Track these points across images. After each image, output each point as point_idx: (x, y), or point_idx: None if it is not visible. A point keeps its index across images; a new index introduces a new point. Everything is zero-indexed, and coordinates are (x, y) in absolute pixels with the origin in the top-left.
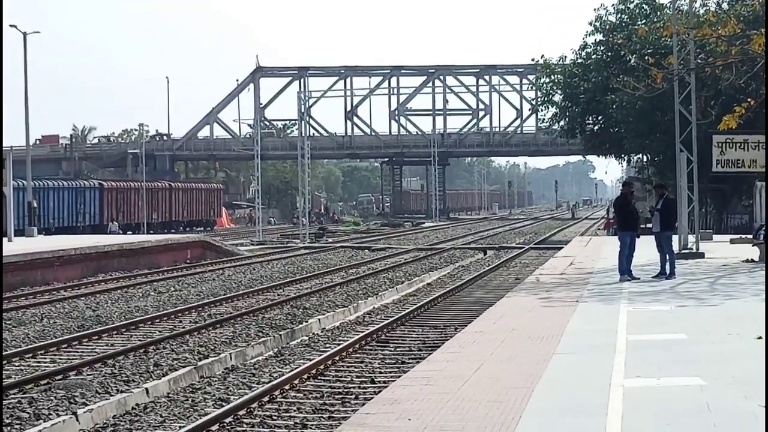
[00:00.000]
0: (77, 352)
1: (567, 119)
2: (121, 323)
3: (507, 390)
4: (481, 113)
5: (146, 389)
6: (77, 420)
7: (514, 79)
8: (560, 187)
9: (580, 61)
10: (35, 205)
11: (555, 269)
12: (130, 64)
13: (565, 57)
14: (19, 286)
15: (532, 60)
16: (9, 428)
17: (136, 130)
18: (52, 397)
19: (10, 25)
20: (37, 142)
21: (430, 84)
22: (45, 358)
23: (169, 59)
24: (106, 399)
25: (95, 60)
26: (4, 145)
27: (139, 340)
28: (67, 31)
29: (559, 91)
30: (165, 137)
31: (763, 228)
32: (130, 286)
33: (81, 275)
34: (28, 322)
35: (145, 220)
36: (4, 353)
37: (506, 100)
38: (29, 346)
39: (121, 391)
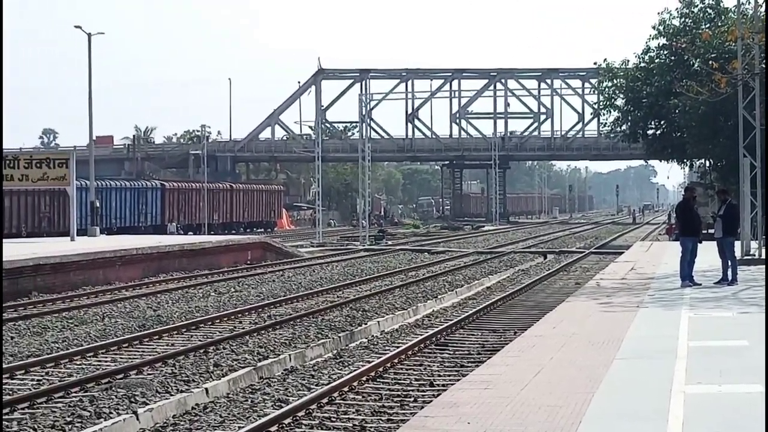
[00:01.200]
0: (138, 351)
1: (629, 123)
2: (182, 323)
3: (567, 395)
4: (543, 117)
5: (206, 389)
6: (137, 419)
7: (576, 83)
8: (621, 191)
9: (643, 65)
10: (98, 204)
11: (616, 274)
12: (193, 65)
13: (628, 61)
14: (81, 286)
15: (595, 64)
16: (70, 426)
17: (198, 131)
18: (113, 396)
19: (75, 26)
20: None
21: (492, 87)
22: (106, 357)
23: (231, 61)
24: (167, 398)
25: (158, 61)
26: (66, 145)
27: (200, 341)
28: (130, 32)
29: (622, 95)
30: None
31: None
32: (190, 286)
33: (142, 275)
34: (90, 321)
35: (205, 220)
36: (65, 352)
37: (568, 103)
38: (91, 345)
39: (181, 391)
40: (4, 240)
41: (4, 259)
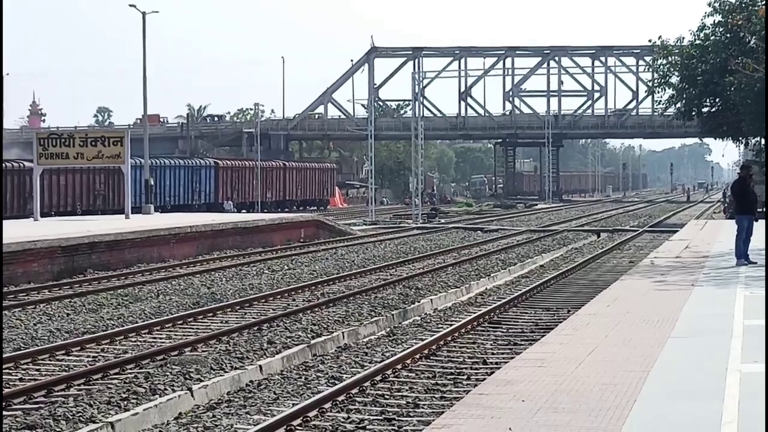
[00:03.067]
0: (192, 328)
1: (684, 101)
2: (236, 301)
3: (621, 373)
4: (596, 94)
5: (260, 366)
6: (192, 395)
7: (630, 61)
8: (676, 169)
9: (698, 42)
10: (152, 183)
11: (670, 252)
12: (246, 43)
13: (683, 38)
14: (135, 263)
15: (649, 41)
16: (126, 402)
17: (251, 109)
18: (167, 373)
19: (129, 5)
20: (137, 121)
21: (545, 65)
22: (161, 334)
23: (284, 39)
24: (221, 375)
25: (211, 40)
26: (120, 124)
27: (253, 318)
28: (185, 11)
29: (677, 73)
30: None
31: None
32: (244, 264)
33: (196, 253)
34: (145, 299)
35: (259, 198)
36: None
37: (622, 81)
38: (145, 322)
39: (235, 368)
40: (59, 217)
41: (60, 236)
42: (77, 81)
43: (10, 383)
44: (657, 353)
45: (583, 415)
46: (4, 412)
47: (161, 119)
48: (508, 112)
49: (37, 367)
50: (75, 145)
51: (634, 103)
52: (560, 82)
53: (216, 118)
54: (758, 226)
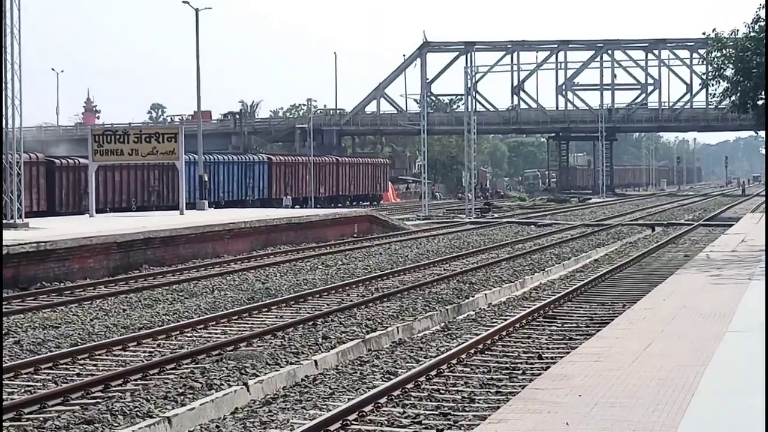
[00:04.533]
0: (247, 323)
1: (738, 94)
2: (290, 296)
3: (678, 368)
4: (650, 88)
5: (315, 361)
6: (248, 390)
7: (684, 54)
8: (730, 163)
9: (752, 34)
10: (206, 178)
11: (726, 246)
12: (298, 39)
13: (738, 31)
14: (190, 259)
15: (703, 34)
16: (182, 397)
17: (304, 104)
18: (223, 368)
19: (183, 2)
20: (189, 117)
21: (598, 58)
22: (216, 329)
23: (336, 35)
24: (276, 370)
25: (263, 35)
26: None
27: (308, 313)
28: (236, 6)
29: (731, 66)
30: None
31: None
32: (298, 259)
33: (250, 248)
34: (200, 294)
35: (312, 194)
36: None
37: (676, 74)
38: (201, 317)
39: (291, 363)
40: (114, 213)
41: (115, 232)
42: (131, 78)
43: (68, 378)
44: (714, 348)
45: (640, 410)
46: (63, 407)
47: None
48: (561, 106)
49: (95, 363)
50: (129, 142)
51: (688, 97)
52: (614, 76)
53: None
54: None
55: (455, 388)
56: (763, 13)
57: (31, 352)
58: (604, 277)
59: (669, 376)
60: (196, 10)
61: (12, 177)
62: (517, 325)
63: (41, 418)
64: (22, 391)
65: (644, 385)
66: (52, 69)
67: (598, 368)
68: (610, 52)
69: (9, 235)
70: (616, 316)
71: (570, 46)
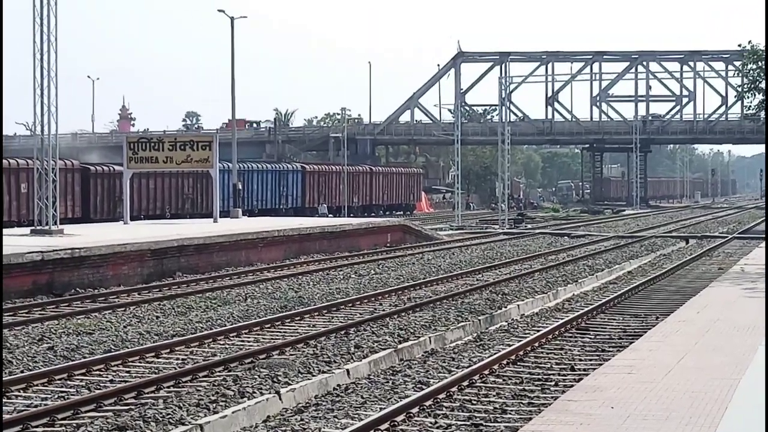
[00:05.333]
0: (280, 332)
1: None
2: (323, 305)
3: (712, 380)
4: (685, 100)
5: (347, 370)
6: (280, 398)
7: (719, 65)
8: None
9: None
10: (240, 187)
11: (760, 259)
12: (333, 48)
13: None
14: (224, 267)
15: (739, 46)
16: (215, 405)
17: (338, 114)
18: (256, 376)
19: (218, 10)
20: (224, 126)
21: (633, 70)
22: (249, 337)
23: (371, 44)
24: (308, 379)
25: (299, 44)
26: (208, 128)
27: (341, 322)
28: (271, 15)
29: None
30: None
31: None
32: (331, 268)
33: (283, 257)
34: (233, 302)
35: (345, 203)
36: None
37: (711, 86)
38: (234, 325)
39: (323, 372)
40: (148, 221)
41: (149, 239)
42: (166, 85)
43: (101, 384)
44: (748, 361)
45: (674, 422)
46: (96, 413)
47: (250, 123)
48: (595, 117)
49: (128, 369)
50: (164, 149)
51: (723, 109)
52: (648, 87)
53: (254, 125)
54: None
55: (487, 399)
56: None
57: (64, 358)
58: (638, 289)
59: (703, 389)
60: (232, 19)
61: (47, 183)
62: (550, 337)
63: (74, 424)
64: (56, 396)
65: (678, 397)
66: (88, 76)
67: (631, 380)
68: (645, 63)
69: (44, 242)
70: (649, 329)
71: (605, 57)
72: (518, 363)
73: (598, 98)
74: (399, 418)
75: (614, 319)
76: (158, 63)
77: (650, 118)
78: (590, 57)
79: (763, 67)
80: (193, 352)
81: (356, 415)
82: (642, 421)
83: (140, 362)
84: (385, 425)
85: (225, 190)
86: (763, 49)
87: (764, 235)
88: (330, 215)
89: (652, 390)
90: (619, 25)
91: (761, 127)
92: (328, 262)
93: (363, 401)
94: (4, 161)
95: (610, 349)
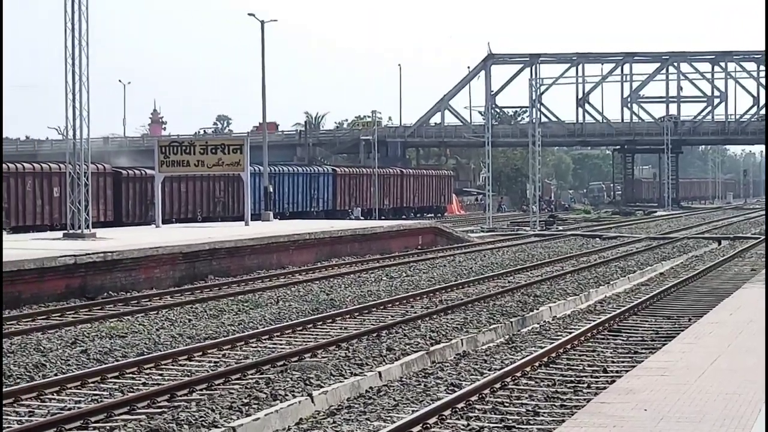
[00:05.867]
0: (312, 334)
1: None
2: (354, 307)
3: (745, 383)
4: (716, 100)
5: (379, 373)
6: (312, 401)
7: (750, 66)
8: None
9: None
10: (271, 190)
11: None
12: (364, 51)
13: None
14: (255, 269)
15: None
16: (247, 407)
17: (368, 116)
18: (288, 378)
19: (249, 14)
20: (254, 129)
21: (664, 71)
22: (281, 340)
23: (401, 47)
24: (341, 381)
25: (329, 47)
26: (238, 132)
27: (372, 324)
28: (301, 18)
29: None
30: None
31: None
32: (362, 270)
33: (315, 259)
34: (265, 305)
35: (376, 206)
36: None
37: (742, 87)
38: (266, 328)
39: (355, 374)
40: (180, 224)
41: (181, 242)
42: (197, 89)
43: (134, 387)
44: None
45: (707, 425)
46: (129, 416)
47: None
48: (626, 119)
49: (160, 372)
50: (195, 153)
51: (755, 109)
52: (679, 88)
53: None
54: None
55: (520, 401)
56: None
57: (98, 361)
58: (670, 291)
59: (736, 391)
60: (262, 22)
61: (80, 187)
62: (582, 339)
63: (107, 427)
64: (89, 399)
65: (711, 400)
66: (119, 80)
67: (665, 383)
68: (675, 64)
69: (77, 245)
70: (682, 330)
71: (635, 58)
72: (551, 365)
73: (629, 99)
74: (431, 421)
75: (647, 321)
76: (189, 67)
77: (681, 119)
78: (621, 58)
79: None
80: (226, 355)
81: (388, 418)
82: (675, 423)
83: (173, 365)
84: (418, 428)
85: (256, 193)
86: None
87: None
88: (361, 218)
89: (685, 392)
90: (650, 26)
91: None
92: (359, 265)
93: (395, 403)
94: (36, 165)
95: (643, 351)
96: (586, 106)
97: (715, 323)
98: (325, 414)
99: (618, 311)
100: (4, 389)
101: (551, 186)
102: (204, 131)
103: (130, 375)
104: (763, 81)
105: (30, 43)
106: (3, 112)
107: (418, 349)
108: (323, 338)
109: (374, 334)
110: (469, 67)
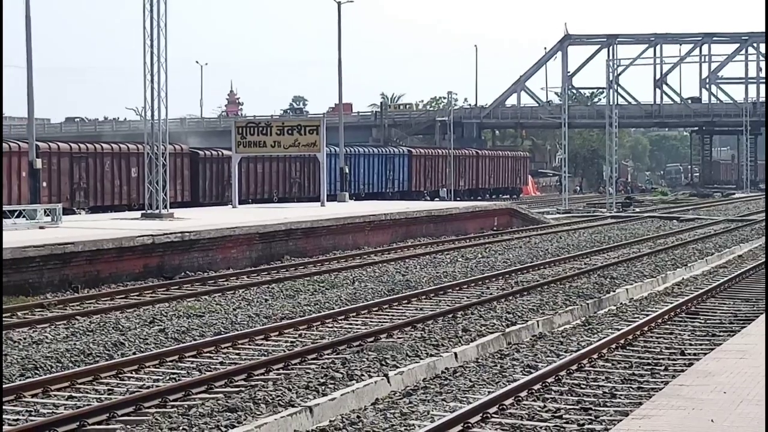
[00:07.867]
0: (387, 315)
1: None
2: (430, 288)
3: None
4: None
5: (455, 354)
6: (389, 381)
7: None
8: None
9: None
10: (347, 171)
11: None
12: (440, 31)
13: None
14: (331, 250)
15: None
16: (324, 387)
17: (444, 97)
18: (364, 359)
19: None
20: (330, 110)
21: (744, 51)
22: (357, 321)
23: (477, 27)
24: (416, 362)
25: (405, 28)
26: (314, 113)
27: (448, 306)
28: (378, 0)
29: None
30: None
31: None
32: (437, 251)
33: (390, 240)
34: (341, 285)
35: (452, 187)
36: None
37: None
38: (342, 309)
39: (431, 355)
40: (256, 205)
41: (257, 223)
42: (273, 70)
43: (212, 366)
44: None
45: None
46: (207, 395)
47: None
48: (704, 100)
49: (237, 351)
50: (272, 134)
51: None
52: (759, 69)
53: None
54: None
55: (596, 383)
56: None
57: (175, 340)
58: (749, 273)
59: None
60: (339, 3)
61: (158, 168)
62: (659, 321)
63: (185, 405)
64: (167, 378)
65: None
66: (197, 62)
67: (744, 365)
68: (755, 44)
69: (155, 225)
70: (761, 313)
71: (714, 38)
72: (627, 347)
73: (707, 80)
74: (507, 402)
75: (725, 304)
76: (265, 48)
77: (760, 100)
78: (699, 39)
79: None
80: (302, 335)
81: (464, 398)
82: (755, 406)
83: (250, 344)
84: (494, 408)
85: (332, 174)
86: None
87: None
88: (434, 199)
89: (764, 375)
90: (729, 6)
91: None
92: (434, 246)
93: (471, 384)
94: (114, 145)
95: (721, 333)
96: (664, 87)
97: None
98: (401, 394)
99: (696, 293)
100: (86, 367)
101: (628, 168)
102: (285, 112)
103: (208, 354)
104: None
105: (109, 26)
106: (3, 97)
107: (494, 330)
108: (399, 319)
109: (450, 315)
110: (545, 48)
